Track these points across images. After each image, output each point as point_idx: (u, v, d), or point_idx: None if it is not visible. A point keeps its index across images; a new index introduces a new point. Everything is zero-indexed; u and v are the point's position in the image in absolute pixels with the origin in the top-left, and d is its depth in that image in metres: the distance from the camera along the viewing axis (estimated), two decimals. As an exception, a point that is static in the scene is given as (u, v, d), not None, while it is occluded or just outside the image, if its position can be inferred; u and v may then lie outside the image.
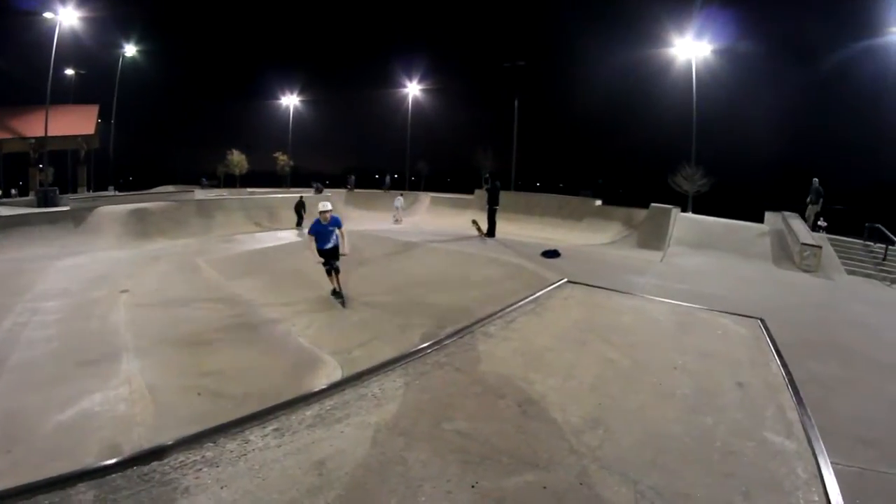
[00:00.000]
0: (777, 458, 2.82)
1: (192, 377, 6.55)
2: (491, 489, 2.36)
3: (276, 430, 2.67)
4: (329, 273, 10.39)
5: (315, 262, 10.22)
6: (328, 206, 10.26)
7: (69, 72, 44.28)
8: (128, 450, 4.65)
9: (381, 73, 60.64)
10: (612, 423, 3.05)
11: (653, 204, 21.82)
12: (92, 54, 43.00)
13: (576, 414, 3.11)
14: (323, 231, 10.19)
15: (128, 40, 44.87)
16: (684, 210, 25.37)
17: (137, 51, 45.56)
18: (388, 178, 42.98)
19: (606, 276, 10.28)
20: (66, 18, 32.77)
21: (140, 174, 56.39)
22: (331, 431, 2.78)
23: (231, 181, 58.64)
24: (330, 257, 10.29)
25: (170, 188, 38.30)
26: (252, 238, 18.60)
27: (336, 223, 10.31)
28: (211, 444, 2.39)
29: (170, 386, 6.35)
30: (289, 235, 20.45)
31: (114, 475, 2.19)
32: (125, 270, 13.03)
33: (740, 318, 6.23)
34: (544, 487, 2.39)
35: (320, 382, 5.81)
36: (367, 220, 25.64)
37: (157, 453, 2.33)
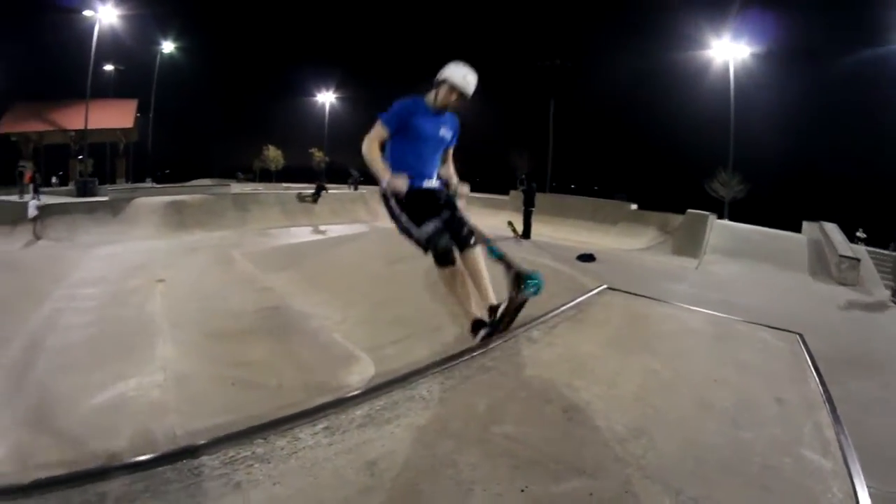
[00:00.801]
0: (813, 475, 2.75)
1: (226, 367, 6.58)
2: (540, 494, 2.34)
3: (325, 428, 2.65)
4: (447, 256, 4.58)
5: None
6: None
7: (108, 68, 45.59)
8: (161, 436, 4.73)
9: (415, 69, 60.52)
10: (655, 433, 3.00)
11: (689, 210, 21.57)
12: (131, 51, 44.35)
13: (620, 422, 3.07)
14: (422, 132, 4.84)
15: (165, 37, 46.03)
16: (720, 217, 24.92)
17: (175, 48, 46.56)
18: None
19: (643, 283, 10.10)
20: (106, 17, 33.58)
21: (177, 167, 57.33)
22: (381, 432, 2.78)
23: (267, 176, 59.40)
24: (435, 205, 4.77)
25: (206, 181, 38.85)
26: (287, 232, 18.76)
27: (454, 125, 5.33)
28: (262, 441, 2.40)
29: (203, 375, 6.41)
30: (324, 231, 20.43)
31: (164, 467, 2.12)
32: (162, 260, 13.23)
33: (778, 331, 6.06)
34: (591, 494, 2.38)
35: (354, 379, 5.83)
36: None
37: (207, 448, 2.24)
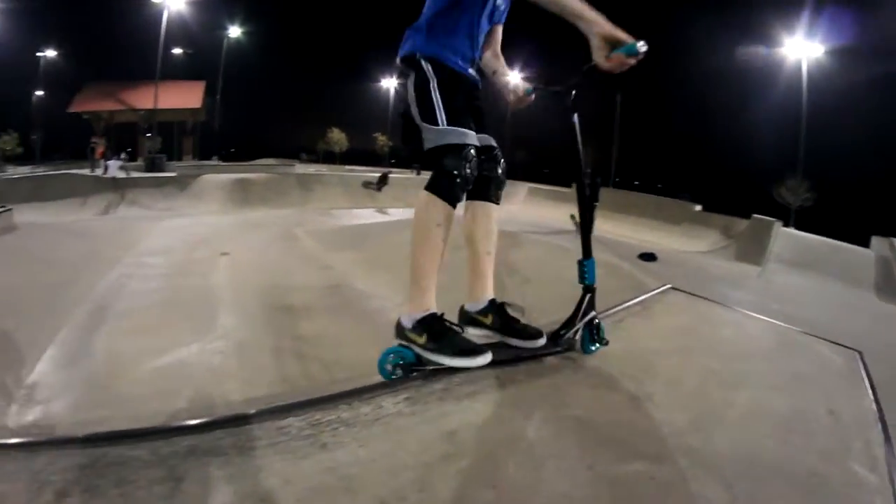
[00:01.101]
0: (858, 487, 2.84)
1: (285, 339, 6.59)
2: (605, 472, 2.52)
3: (407, 398, 2.81)
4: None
5: None
6: None
7: (177, 51, 47.18)
8: (219, 401, 4.77)
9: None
10: (712, 430, 3.17)
11: (755, 215, 20.95)
12: (199, 36, 46.16)
13: (680, 416, 3.22)
14: None
15: (232, 22, 47.27)
16: (786, 224, 24.11)
17: (241, 32, 47.93)
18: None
19: (704, 286, 9.87)
20: (174, 3, 34.77)
21: (242, 146, 59.01)
22: (460, 406, 2.85)
23: (330, 158, 60.29)
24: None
25: (270, 161, 39.71)
26: (349, 213, 18.89)
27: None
28: (346, 406, 2.51)
29: (264, 345, 6.39)
30: (386, 215, 20.49)
31: (251, 425, 2.26)
32: (226, 235, 13.50)
33: (838, 347, 5.88)
34: (652, 478, 2.53)
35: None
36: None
37: (293, 409, 2.43)
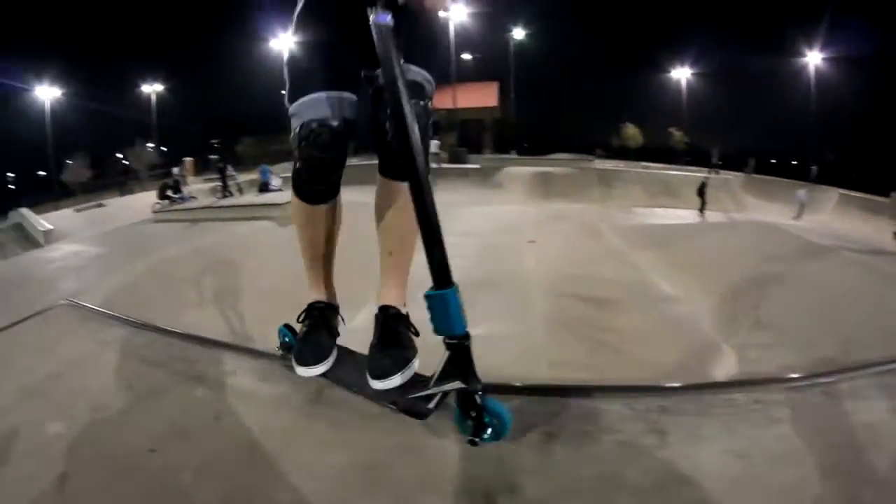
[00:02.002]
0: None
1: (590, 329, 6.74)
2: None
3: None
4: None
5: None
6: None
7: (466, 56, 50.33)
8: (533, 376, 4.76)
9: (780, 38, 51.57)
10: None
11: None
12: (486, 40, 49.46)
13: None
14: None
15: (516, 24, 49.62)
16: None
17: (526, 34, 49.70)
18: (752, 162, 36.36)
19: None
20: (457, 15, 38.69)
21: (535, 141, 60.18)
22: None
23: (624, 153, 58.82)
24: None
25: (565, 156, 40.07)
26: (651, 212, 18.26)
27: None
28: (780, 388, 2.37)
29: (572, 332, 6.59)
30: (688, 215, 19.43)
31: (702, 393, 2.41)
32: (530, 224, 13.95)
33: None
34: None
35: (718, 371, 5.58)
36: (763, 211, 23.16)
37: (739, 385, 2.55)
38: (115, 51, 68.14)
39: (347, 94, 1.85)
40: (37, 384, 4.93)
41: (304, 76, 1.90)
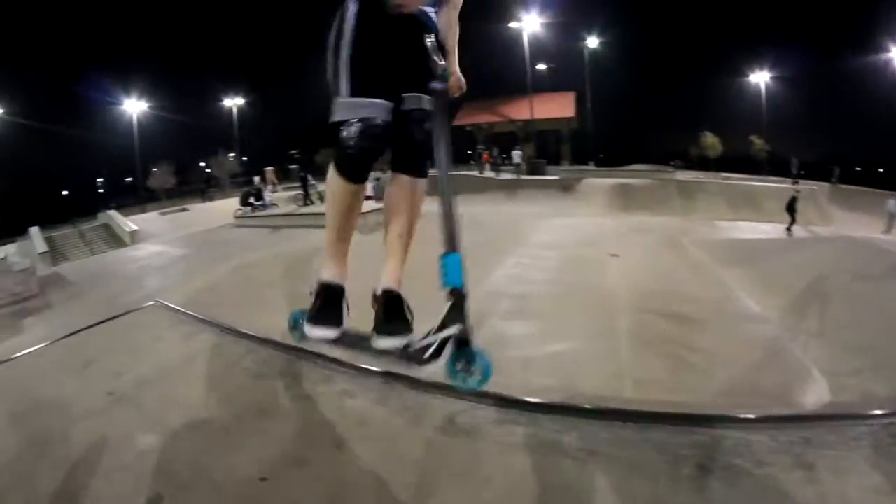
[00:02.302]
0: None
1: (674, 347, 6.52)
2: None
3: None
4: None
5: None
6: None
7: (541, 66, 49.97)
8: (611, 395, 4.75)
9: (863, 36, 47.71)
10: None
11: None
12: (560, 50, 49.94)
13: None
14: None
15: (590, 33, 49.20)
16: None
17: (599, 42, 48.93)
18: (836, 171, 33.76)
19: None
20: (530, 25, 38.45)
21: (612, 152, 59.18)
22: None
23: (704, 164, 56.73)
24: None
25: (643, 166, 39.40)
26: (734, 226, 17.69)
27: None
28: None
29: (657, 351, 6.43)
30: (773, 230, 18.62)
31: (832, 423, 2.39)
32: (611, 237, 13.88)
33: None
34: None
35: (808, 399, 5.27)
36: (850, 224, 21.85)
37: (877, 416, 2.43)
38: (198, 66, 71.98)
39: (391, 103, 2.34)
40: (126, 390, 4.97)
41: (366, 82, 2.33)
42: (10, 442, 4.19)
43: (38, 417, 4.66)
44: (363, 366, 4.60)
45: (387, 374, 4.17)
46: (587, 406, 3.27)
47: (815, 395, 5.49)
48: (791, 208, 19.86)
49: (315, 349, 5.15)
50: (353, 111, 2.33)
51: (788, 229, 19.09)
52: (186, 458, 3.50)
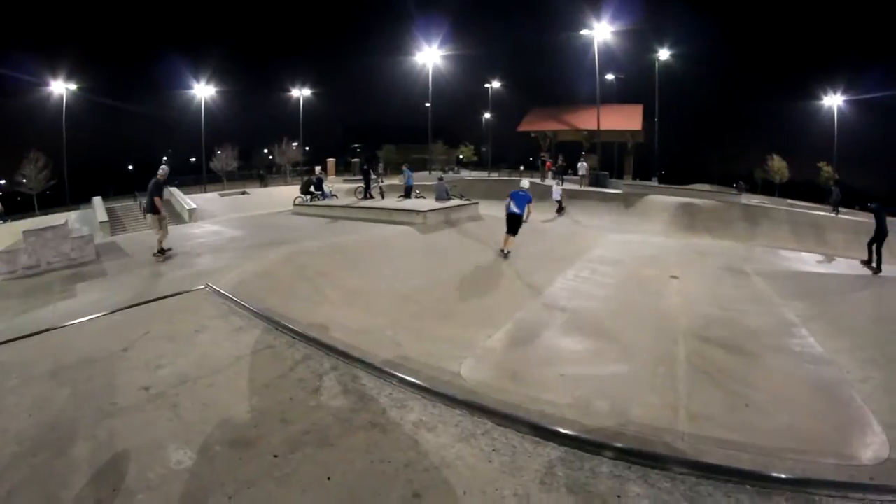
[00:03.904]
0: None
1: (731, 381, 6.28)
2: None
3: None
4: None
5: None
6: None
7: (609, 77, 49.27)
8: (669, 437, 4.57)
9: None
10: None
11: None
12: (630, 61, 49.03)
13: None
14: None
15: (661, 45, 47.72)
16: None
17: (671, 55, 47.52)
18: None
19: None
20: (601, 34, 36.95)
21: (674, 169, 57.69)
22: None
23: (768, 188, 54.71)
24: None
25: (706, 186, 38.47)
26: (798, 257, 16.93)
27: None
28: None
29: (711, 381, 6.27)
30: (839, 264, 17.57)
31: None
32: (672, 258, 13.53)
33: None
34: None
35: (866, 454, 4.87)
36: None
37: None
38: (269, 56, 74.28)
39: None
40: (164, 387, 4.76)
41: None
42: (29, 432, 3.95)
43: (64, 405, 4.43)
44: (443, 391, 4.46)
45: (471, 406, 4.01)
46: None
47: (872, 449, 5.20)
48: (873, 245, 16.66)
49: (388, 367, 5.01)
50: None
51: (870, 264, 15.62)
52: (226, 488, 3.17)
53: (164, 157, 55.16)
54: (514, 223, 12.27)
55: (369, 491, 3.05)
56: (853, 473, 4.15)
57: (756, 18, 65.27)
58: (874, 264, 14.13)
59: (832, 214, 23.92)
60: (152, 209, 11.05)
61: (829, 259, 17.26)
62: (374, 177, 22.81)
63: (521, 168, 58.68)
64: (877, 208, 14.20)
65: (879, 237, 14.09)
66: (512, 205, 12.28)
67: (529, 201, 12.35)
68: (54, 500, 3.11)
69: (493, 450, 3.53)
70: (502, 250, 12.18)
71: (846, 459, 4.55)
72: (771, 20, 64.82)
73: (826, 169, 51.29)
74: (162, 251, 11.31)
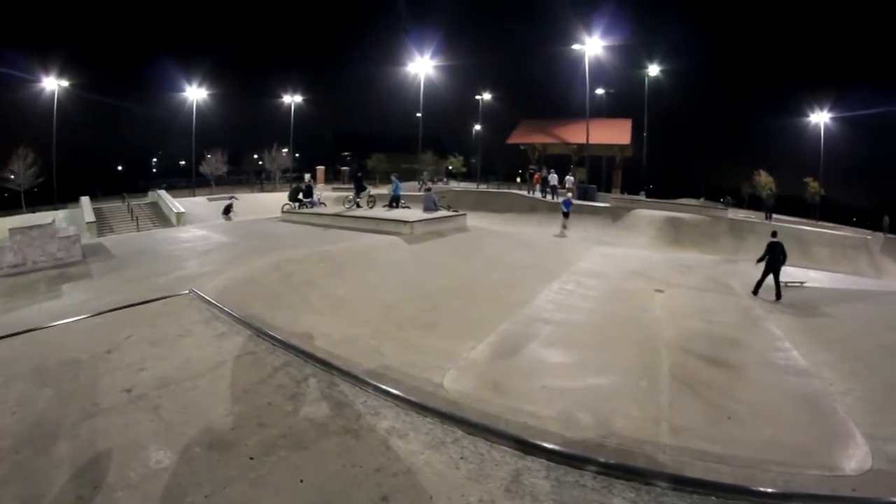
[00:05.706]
0: None
1: (714, 394, 6.29)
2: None
3: None
4: None
5: None
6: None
7: (599, 91, 49.55)
8: (650, 448, 4.55)
9: None
10: None
11: None
12: (620, 76, 49.42)
13: None
14: None
15: (651, 61, 48.13)
16: None
17: (660, 71, 48.04)
18: (886, 220, 30.72)
19: None
20: (592, 49, 37.55)
21: (661, 183, 57.98)
22: None
23: (754, 203, 54.84)
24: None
25: (693, 201, 38.56)
26: (784, 271, 16.98)
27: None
28: None
29: (694, 394, 6.25)
30: (823, 277, 17.78)
31: None
32: (658, 271, 13.55)
33: None
34: None
35: (848, 464, 4.89)
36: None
37: None
38: (261, 61, 74.56)
39: None
40: (146, 389, 4.80)
41: None
42: (13, 428, 4.02)
43: (47, 404, 4.48)
44: (416, 400, 4.49)
45: (443, 415, 4.01)
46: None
47: (855, 460, 5.19)
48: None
49: (366, 376, 5.06)
50: None
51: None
52: (203, 488, 3.25)
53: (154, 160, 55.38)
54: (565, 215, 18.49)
55: (340, 493, 3.12)
56: (836, 485, 4.17)
57: (746, 35, 66.04)
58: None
59: (766, 221, 26.02)
60: None
61: (814, 273, 17.50)
62: (363, 185, 22.72)
63: (518, 180, 58.95)
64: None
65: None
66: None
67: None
68: (36, 496, 3.16)
69: (462, 457, 3.57)
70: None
71: (829, 471, 4.56)
72: (760, 38, 65.67)
73: (812, 185, 51.57)
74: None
